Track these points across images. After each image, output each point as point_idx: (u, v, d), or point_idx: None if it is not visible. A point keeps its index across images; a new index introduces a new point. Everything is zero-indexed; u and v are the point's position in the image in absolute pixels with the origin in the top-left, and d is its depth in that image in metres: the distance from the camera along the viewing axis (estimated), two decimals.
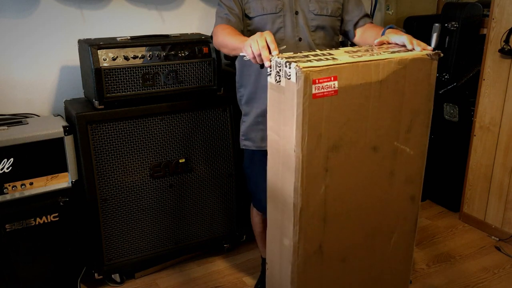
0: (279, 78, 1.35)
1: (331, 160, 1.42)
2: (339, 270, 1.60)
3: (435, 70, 1.55)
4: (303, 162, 1.36)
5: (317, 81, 1.29)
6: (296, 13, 1.88)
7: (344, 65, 1.35)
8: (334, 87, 1.33)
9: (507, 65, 2.64)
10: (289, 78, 1.30)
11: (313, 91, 1.29)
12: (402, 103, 1.51)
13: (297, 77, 1.27)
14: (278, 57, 1.36)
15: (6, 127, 2.06)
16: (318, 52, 1.47)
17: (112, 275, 2.38)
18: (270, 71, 1.39)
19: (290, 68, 1.29)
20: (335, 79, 1.32)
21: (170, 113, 2.29)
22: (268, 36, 1.47)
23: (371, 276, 1.70)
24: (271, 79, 1.39)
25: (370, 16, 2.01)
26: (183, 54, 2.27)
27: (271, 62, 1.38)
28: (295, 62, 1.30)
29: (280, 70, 1.34)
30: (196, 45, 2.30)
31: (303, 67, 1.27)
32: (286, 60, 1.32)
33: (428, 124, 1.61)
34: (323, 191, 1.44)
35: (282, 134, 1.40)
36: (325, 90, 1.32)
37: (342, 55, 1.43)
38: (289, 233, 1.46)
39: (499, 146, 2.75)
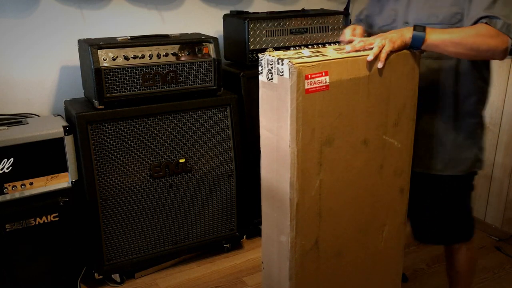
0: (271, 76, 1.38)
1: (325, 154, 1.44)
2: (334, 265, 1.62)
3: (419, 64, 1.58)
4: (298, 157, 1.38)
5: (309, 76, 1.32)
6: (406, 23, 1.70)
7: (334, 60, 1.39)
8: (325, 82, 1.37)
9: (507, 65, 2.64)
10: (282, 75, 1.33)
11: (306, 86, 1.33)
12: (389, 97, 1.55)
13: (290, 72, 1.30)
14: (269, 55, 1.38)
15: (6, 127, 2.06)
16: (307, 49, 1.50)
17: (112, 275, 2.38)
18: (261, 70, 1.41)
19: (282, 64, 1.32)
20: (326, 74, 1.36)
21: (170, 113, 2.29)
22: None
23: (365, 270, 1.73)
24: (262, 78, 1.41)
25: (494, 16, 1.49)
26: (183, 54, 2.27)
27: (262, 61, 1.40)
28: (287, 58, 1.32)
29: (272, 67, 1.36)
30: (196, 45, 2.30)
31: (296, 63, 1.30)
32: (278, 57, 1.35)
33: (413, 118, 1.65)
34: (317, 185, 1.46)
35: (276, 131, 1.41)
36: (317, 85, 1.35)
37: (330, 52, 1.46)
38: (286, 229, 1.47)
39: (499, 147, 2.75)
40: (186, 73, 2.30)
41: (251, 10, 2.83)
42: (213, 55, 2.33)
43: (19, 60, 2.36)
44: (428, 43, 1.49)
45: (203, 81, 2.35)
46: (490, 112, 2.75)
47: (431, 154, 1.73)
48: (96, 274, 2.30)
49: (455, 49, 1.50)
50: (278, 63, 1.33)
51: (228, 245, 2.66)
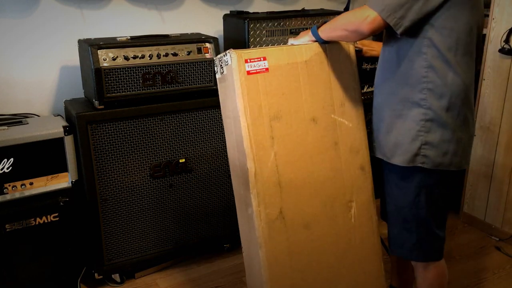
0: (222, 70, 1.64)
1: (276, 129, 1.65)
2: (304, 237, 1.72)
3: (354, 51, 1.80)
4: (249, 130, 1.59)
5: (248, 60, 1.59)
6: None
7: (271, 48, 1.67)
8: (265, 66, 1.62)
9: (507, 65, 2.64)
10: (227, 64, 1.60)
11: (247, 69, 1.59)
12: (330, 80, 1.75)
13: (232, 58, 1.58)
14: (219, 54, 1.65)
15: (6, 127, 2.06)
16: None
17: (112, 275, 2.39)
18: (216, 69, 1.67)
19: (226, 55, 1.60)
20: (264, 59, 1.62)
21: (170, 113, 2.29)
22: None
23: (340, 247, 1.81)
24: (218, 75, 1.68)
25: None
26: (183, 54, 2.27)
27: (215, 61, 1.67)
28: (229, 50, 1.59)
29: (221, 62, 1.64)
30: (196, 45, 2.31)
31: (235, 51, 1.58)
32: (224, 52, 1.61)
33: (359, 99, 1.82)
34: (273, 157, 1.64)
35: (232, 114, 1.64)
36: (257, 68, 1.61)
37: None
38: (250, 200, 1.63)
39: (499, 146, 2.75)
40: (186, 73, 2.30)
41: (251, 10, 2.83)
42: (213, 55, 2.33)
43: (19, 60, 2.36)
44: (321, 35, 1.69)
45: (203, 81, 2.35)
46: (490, 112, 2.76)
47: (383, 140, 1.70)
48: (96, 274, 2.30)
49: (336, 33, 1.65)
50: (224, 56, 1.61)
51: (228, 245, 2.66)
